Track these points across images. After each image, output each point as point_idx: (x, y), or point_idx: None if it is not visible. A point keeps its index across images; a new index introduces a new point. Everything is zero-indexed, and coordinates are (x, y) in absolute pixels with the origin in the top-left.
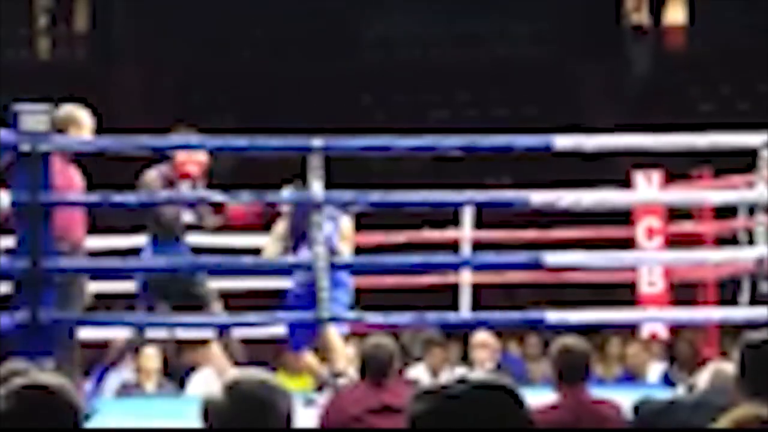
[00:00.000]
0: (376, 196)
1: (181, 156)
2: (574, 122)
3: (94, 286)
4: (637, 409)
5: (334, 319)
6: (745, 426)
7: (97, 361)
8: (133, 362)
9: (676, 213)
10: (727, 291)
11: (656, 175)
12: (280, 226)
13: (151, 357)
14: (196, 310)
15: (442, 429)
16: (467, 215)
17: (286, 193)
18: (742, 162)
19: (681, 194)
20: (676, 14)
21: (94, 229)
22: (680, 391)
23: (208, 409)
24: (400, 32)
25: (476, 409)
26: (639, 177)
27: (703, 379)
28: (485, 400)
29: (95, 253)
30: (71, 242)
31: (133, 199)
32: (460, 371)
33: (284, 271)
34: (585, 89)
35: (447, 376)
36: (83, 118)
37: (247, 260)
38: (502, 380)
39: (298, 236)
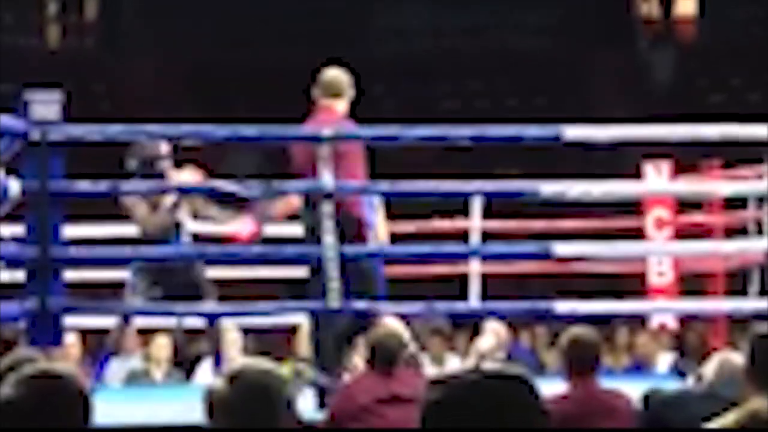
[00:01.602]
0: (385, 185)
1: None
2: (584, 113)
3: (103, 275)
4: (646, 399)
5: (340, 310)
6: (757, 419)
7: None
8: (142, 350)
9: (685, 204)
10: (737, 282)
11: (666, 166)
12: None
13: (162, 346)
14: (193, 298)
15: (457, 417)
16: (477, 205)
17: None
18: (752, 153)
19: (690, 185)
20: (686, 6)
21: (99, 216)
22: (690, 381)
23: (211, 398)
24: (410, 22)
25: (491, 398)
26: (648, 168)
27: (710, 369)
28: (500, 389)
29: (102, 241)
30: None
31: (143, 188)
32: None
33: (292, 260)
34: (595, 80)
35: (451, 365)
36: (330, 80)
37: (256, 249)
38: (516, 370)
39: None
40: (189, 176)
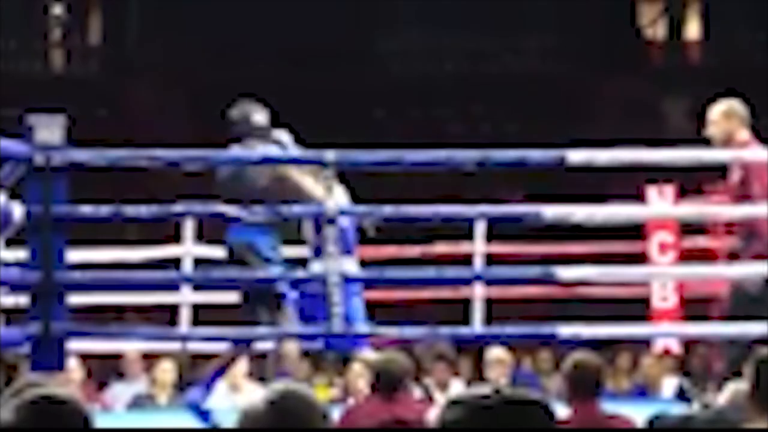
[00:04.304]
0: (388, 209)
1: None
2: (587, 136)
3: (105, 298)
4: (651, 424)
5: (345, 335)
6: None
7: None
8: (147, 375)
9: (688, 228)
10: None
11: (669, 190)
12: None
13: (167, 370)
14: None
15: None
16: (480, 229)
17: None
18: None
19: (694, 209)
20: (691, 29)
21: (103, 241)
22: (695, 406)
23: (249, 422)
24: (414, 46)
25: (508, 421)
26: (652, 192)
27: (722, 399)
28: (517, 412)
29: (106, 266)
30: None
31: (145, 213)
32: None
33: (295, 283)
34: (598, 103)
35: (455, 390)
36: (741, 111)
37: (260, 273)
38: (534, 395)
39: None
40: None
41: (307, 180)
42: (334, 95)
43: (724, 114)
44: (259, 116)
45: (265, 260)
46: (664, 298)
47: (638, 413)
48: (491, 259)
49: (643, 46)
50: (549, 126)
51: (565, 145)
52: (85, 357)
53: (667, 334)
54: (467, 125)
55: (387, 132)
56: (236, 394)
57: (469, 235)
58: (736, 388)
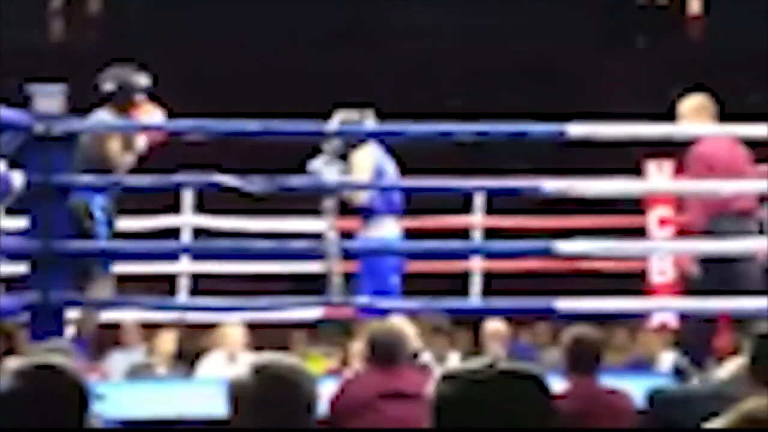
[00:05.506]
0: (387, 181)
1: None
2: (591, 111)
3: None
4: (651, 398)
5: (343, 304)
6: (755, 417)
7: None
8: (146, 344)
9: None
10: None
11: (668, 165)
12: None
13: (168, 340)
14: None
15: (467, 412)
16: (479, 202)
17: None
18: (756, 153)
19: (692, 184)
20: (692, 4)
21: None
22: (693, 381)
23: (236, 391)
24: (419, 23)
25: (502, 394)
26: (651, 166)
27: (723, 373)
28: (512, 386)
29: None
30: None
31: (145, 182)
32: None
33: (294, 255)
34: (603, 80)
35: (452, 362)
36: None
37: (262, 244)
38: (529, 368)
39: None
40: (159, 116)
41: (115, 145)
42: (340, 71)
43: (694, 109)
44: (143, 80)
45: (90, 217)
46: (662, 272)
47: (636, 387)
48: (490, 232)
49: (646, 22)
50: (554, 103)
51: (570, 120)
52: None
53: (665, 309)
54: (471, 103)
55: (394, 106)
56: (233, 365)
57: (467, 208)
58: (737, 362)
